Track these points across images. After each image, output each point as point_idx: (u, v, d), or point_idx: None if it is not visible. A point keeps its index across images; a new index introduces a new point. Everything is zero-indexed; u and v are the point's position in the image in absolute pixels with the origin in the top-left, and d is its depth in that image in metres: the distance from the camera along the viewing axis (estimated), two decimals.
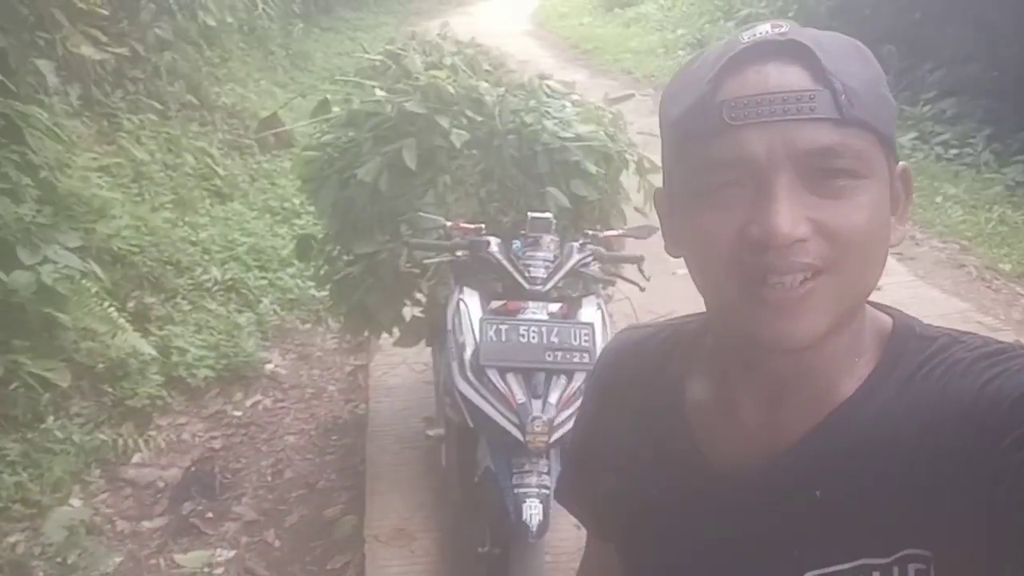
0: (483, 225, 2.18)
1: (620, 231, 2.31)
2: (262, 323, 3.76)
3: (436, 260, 2.18)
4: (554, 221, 2.14)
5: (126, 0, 4.30)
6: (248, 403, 3.33)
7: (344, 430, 3.18)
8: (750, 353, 0.66)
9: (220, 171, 5.10)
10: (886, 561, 0.62)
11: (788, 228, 0.58)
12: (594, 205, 2.64)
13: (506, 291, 2.11)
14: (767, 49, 0.61)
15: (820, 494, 0.64)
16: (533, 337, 1.98)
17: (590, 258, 2.17)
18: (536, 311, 2.05)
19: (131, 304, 3.52)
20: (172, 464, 2.96)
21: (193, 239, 4.17)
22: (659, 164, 2.21)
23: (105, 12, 3.30)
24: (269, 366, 3.54)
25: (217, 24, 5.88)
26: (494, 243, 2.14)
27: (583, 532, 2.60)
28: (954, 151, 5.50)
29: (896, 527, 0.61)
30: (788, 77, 0.60)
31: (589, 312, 2.11)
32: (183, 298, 3.74)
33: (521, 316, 2.04)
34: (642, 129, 2.95)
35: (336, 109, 2.70)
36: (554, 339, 1.98)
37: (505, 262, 2.10)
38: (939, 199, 5.02)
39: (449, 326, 2.09)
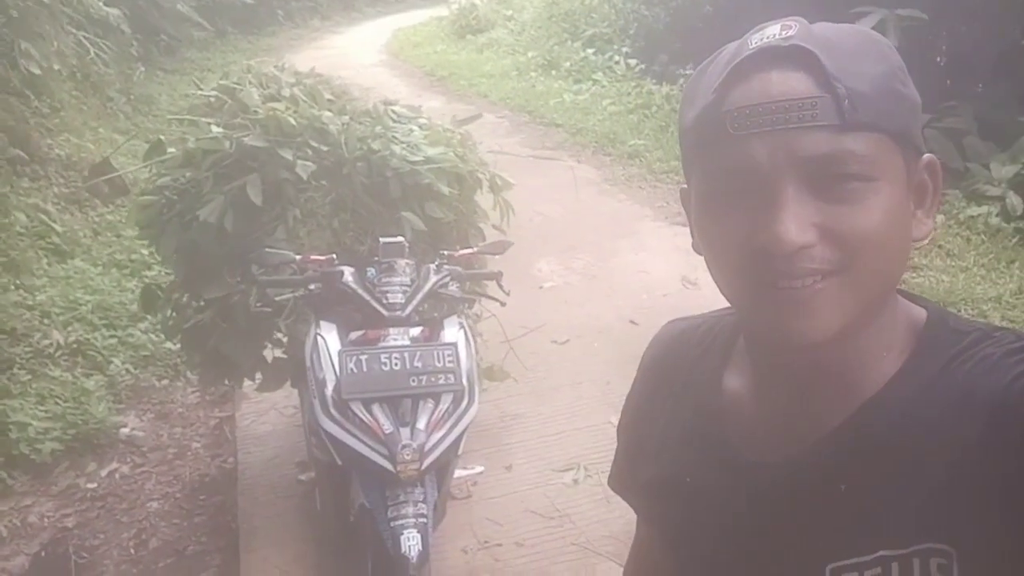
0: (334, 256, 2.11)
1: (474, 249, 2.30)
2: (114, 385, 3.50)
3: (287, 296, 2.09)
4: (406, 245, 2.11)
5: None
6: (103, 473, 3.07)
7: (213, 487, 2.98)
8: (771, 350, 0.68)
9: (57, 227, 4.74)
10: (903, 553, 0.61)
11: (792, 236, 0.58)
12: (451, 226, 2.63)
13: (365, 320, 2.05)
14: (772, 55, 0.61)
15: (845, 487, 0.64)
16: (395, 364, 1.93)
17: (447, 278, 2.14)
18: (397, 337, 2.01)
19: None
20: (17, 552, 2.68)
21: (29, 303, 3.84)
22: (511, 181, 2.22)
23: None
24: (125, 430, 3.28)
25: (44, 72, 5.48)
26: (348, 272, 2.08)
27: (470, 556, 2.55)
28: None
29: (916, 521, 0.61)
30: (791, 84, 0.60)
31: (451, 332, 2.08)
32: (21, 367, 3.43)
33: (382, 344, 1.99)
34: (493, 148, 2.98)
35: (172, 150, 2.56)
36: (417, 363, 1.94)
37: (360, 291, 2.04)
38: None
39: (308, 363, 2.01)
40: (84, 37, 6.38)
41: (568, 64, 9.26)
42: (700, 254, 0.69)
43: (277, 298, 2.08)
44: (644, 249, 4.69)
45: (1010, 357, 0.61)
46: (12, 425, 3.05)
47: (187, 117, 2.61)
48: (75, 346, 3.66)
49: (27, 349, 3.52)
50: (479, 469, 2.72)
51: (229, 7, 13.30)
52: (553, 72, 9.25)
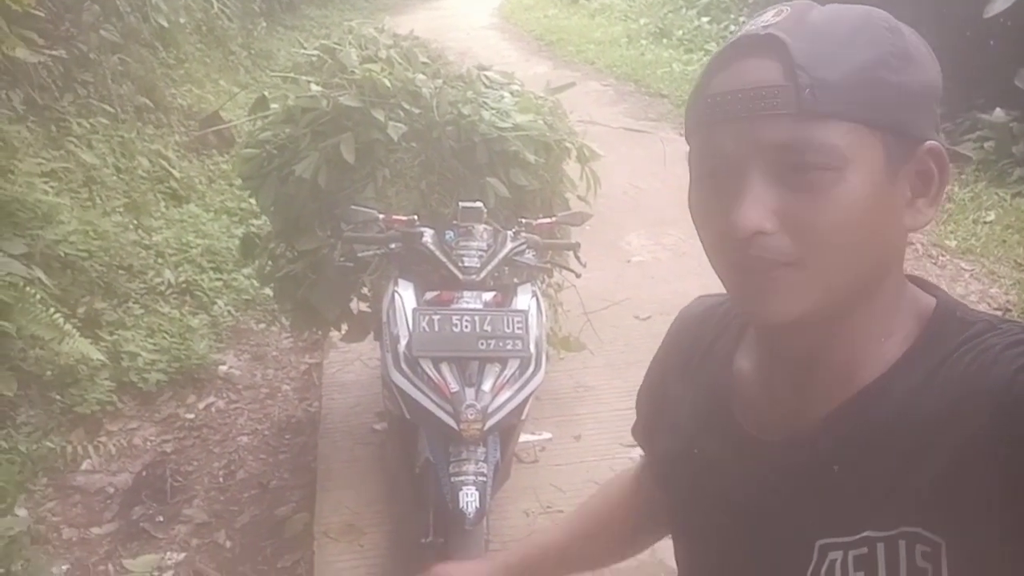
0: (416, 217, 2.18)
1: (553, 218, 2.31)
2: (216, 325, 3.74)
3: (370, 254, 2.17)
4: (485, 210, 2.14)
5: (68, 2, 4.23)
6: (201, 405, 3.30)
7: (298, 428, 3.16)
8: (763, 329, 0.72)
9: (176, 173, 5.04)
10: (887, 535, 0.62)
11: (746, 222, 0.60)
12: (535, 194, 2.65)
13: (441, 281, 2.11)
14: (749, 43, 0.63)
15: (838, 469, 0.66)
16: (466, 326, 1.98)
17: (524, 246, 2.17)
18: (470, 300, 2.06)
19: (81, 310, 3.48)
20: (122, 469, 2.93)
21: (146, 242, 4.13)
22: (599, 153, 2.22)
23: (40, 13, 3.24)
24: (223, 368, 3.51)
25: (171, 25, 5.81)
26: (427, 234, 2.14)
27: (531, 519, 2.61)
28: None
29: (906, 506, 0.62)
30: (760, 73, 0.61)
31: (523, 300, 2.11)
32: (135, 302, 3.70)
33: (455, 306, 2.04)
34: (585, 118, 2.96)
35: (275, 106, 2.68)
36: (487, 327, 1.98)
37: (438, 252, 2.10)
38: None
39: (385, 318, 2.09)
40: None
41: (681, 32, 9.00)
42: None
43: (360, 254, 2.17)
44: None
45: (1013, 348, 0.60)
46: (124, 354, 3.32)
47: (289, 75, 2.72)
48: (184, 286, 3.92)
49: (141, 285, 3.80)
50: (547, 436, 2.77)
51: None
52: (664, 40, 9.03)
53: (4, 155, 3.42)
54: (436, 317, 1.98)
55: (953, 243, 4.36)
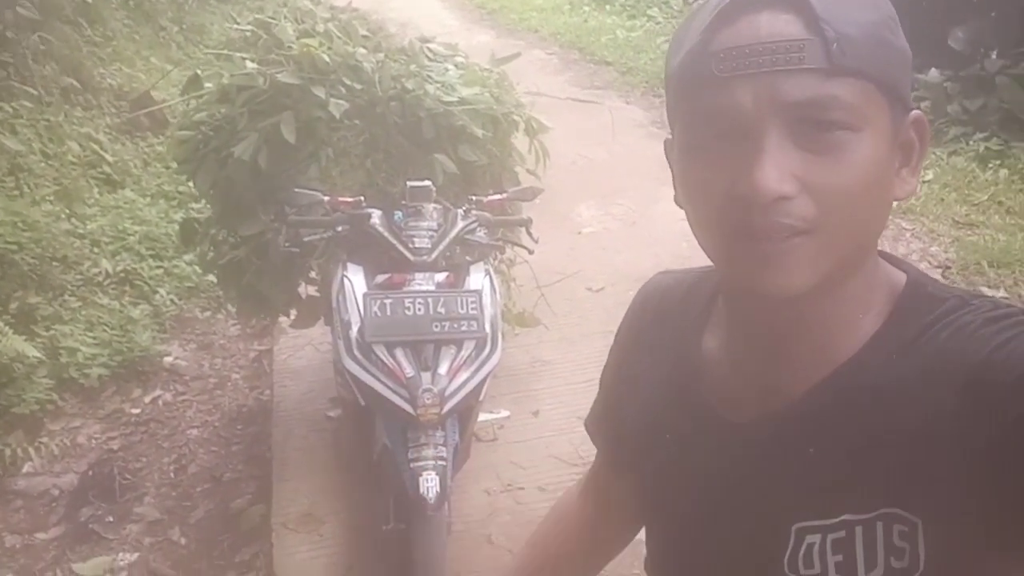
0: (362, 198, 2.11)
1: (504, 194, 2.26)
2: (159, 314, 3.61)
3: (316, 238, 2.10)
4: (434, 189, 2.09)
5: None
6: (147, 399, 3.19)
7: (250, 418, 3.08)
8: (747, 304, 0.68)
9: (109, 157, 4.83)
10: (866, 517, 0.61)
11: (771, 184, 0.57)
12: (484, 169, 2.60)
13: (391, 264, 2.05)
14: None
15: (814, 450, 0.64)
16: (419, 309, 1.93)
17: (475, 224, 2.13)
18: (422, 282, 2.01)
19: (13, 305, 3.32)
20: (67, 470, 2.82)
21: (80, 231, 3.95)
22: (547, 125, 2.17)
23: None
24: (168, 359, 3.40)
25: (94, 1, 5.52)
26: (376, 215, 2.08)
27: (492, 498, 2.59)
28: None
29: (880, 486, 0.61)
30: (779, 26, 0.58)
31: (476, 279, 2.07)
32: (71, 295, 3.55)
33: (407, 288, 1.99)
34: (532, 89, 2.91)
35: (209, 85, 2.56)
36: (440, 309, 1.94)
37: (387, 234, 2.04)
38: None
39: (335, 304, 2.03)
40: None
41: None
42: (681, 207, 0.67)
43: (306, 239, 2.09)
44: None
45: (988, 326, 0.60)
46: (63, 350, 3.18)
47: (223, 52, 2.60)
48: (123, 275, 3.76)
49: (77, 277, 3.64)
50: (505, 414, 2.75)
51: None
52: (607, 7, 8.96)
53: None
54: (388, 301, 1.93)
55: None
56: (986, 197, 4.27)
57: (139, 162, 5.05)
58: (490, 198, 2.21)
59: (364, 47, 2.52)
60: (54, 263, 3.64)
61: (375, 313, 1.91)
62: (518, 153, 2.77)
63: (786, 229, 0.58)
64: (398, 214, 2.08)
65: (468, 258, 2.14)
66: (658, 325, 0.80)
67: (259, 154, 2.38)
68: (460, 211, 2.13)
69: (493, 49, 3.02)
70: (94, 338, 3.32)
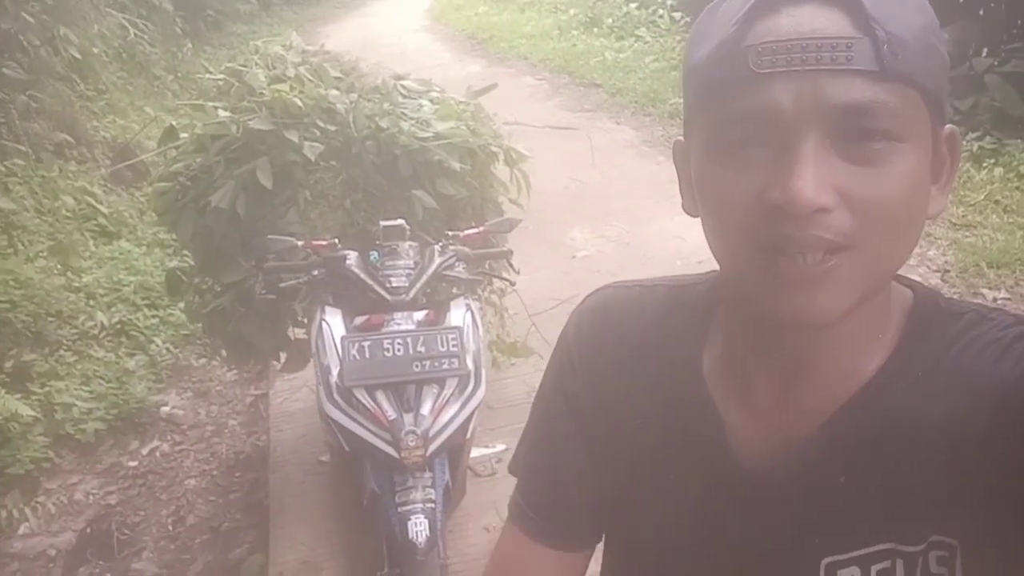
0: (336, 240, 2.10)
1: (480, 228, 2.24)
2: (155, 364, 3.60)
3: (293, 283, 2.08)
4: (407, 227, 2.07)
5: None
6: (144, 451, 3.17)
7: (247, 465, 3.06)
8: (765, 328, 0.61)
9: (104, 209, 4.87)
10: (906, 547, 0.59)
11: (811, 193, 0.51)
12: (464, 202, 2.58)
13: (369, 305, 2.03)
14: None
15: (844, 480, 0.60)
16: (398, 349, 1.91)
17: (453, 259, 2.10)
18: (401, 321, 1.99)
19: (8, 364, 3.32)
20: (64, 529, 2.80)
21: (76, 284, 3.97)
22: (526, 154, 2.15)
23: None
24: (165, 408, 3.38)
25: (85, 56, 5.59)
26: (351, 257, 2.06)
27: (492, 535, 2.53)
28: None
29: (922, 514, 0.58)
30: (825, 22, 0.53)
31: (457, 315, 2.04)
32: (67, 349, 3.55)
33: (385, 329, 1.97)
34: (530, 113, 2.90)
35: (184, 135, 2.57)
36: (420, 348, 1.91)
37: (363, 275, 2.02)
38: None
39: (313, 349, 2.01)
40: (125, 19, 6.45)
41: (611, 20, 9.00)
42: (692, 215, 0.62)
43: (282, 285, 2.08)
44: (680, 213, 4.52)
45: (1018, 344, 0.57)
46: (58, 406, 3.17)
47: (195, 102, 2.61)
48: (118, 326, 3.77)
49: (73, 331, 3.65)
50: (502, 447, 2.71)
51: None
52: (595, 30, 9.01)
53: None
54: (366, 343, 1.90)
55: None
56: (982, 197, 4.22)
57: (134, 212, 5.08)
58: (467, 232, 2.19)
59: (337, 88, 2.52)
60: (49, 319, 3.64)
61: (353, 356, 1.88)
62: (500, 183, 2.76)
63: (824, 244, 0.53)
64: (374, 254, 2.07)
65: (450, 294, 2.11)
66: (634, 348, 0.70)
67: (237, 201, 2.38)
68: (437, 247, 2.11)
69: (483, 78, 3.02)
70: (90, 392, 3.32)
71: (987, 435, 0.55)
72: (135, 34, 6.56)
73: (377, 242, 2.07)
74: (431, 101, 2.66)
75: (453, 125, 2.53)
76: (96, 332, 3.69)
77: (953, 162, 0.60)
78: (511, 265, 2.26)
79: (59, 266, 3.98)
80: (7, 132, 4.66)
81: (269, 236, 2.10)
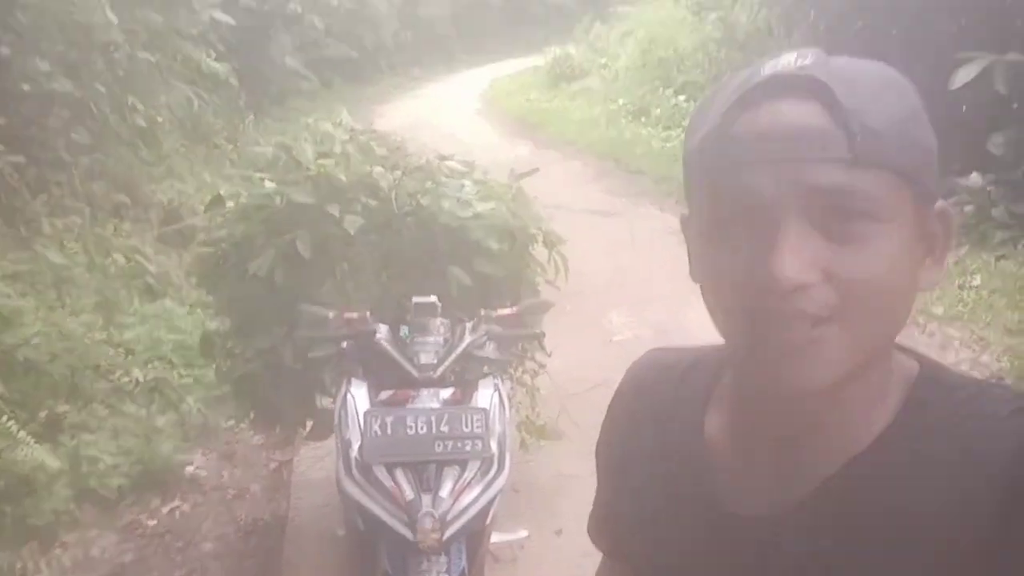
0: (368, 313, 2.11)
1: (512, 309, 2.24)
2: (184, 423, 3.62)
3: (322, 354, 2.09)
4: (439, 305, 2.07)
5: (34, 107, 4.26)
6: (165, 510, 3.15)
7: (265, 532, 3.01)
8: (761, 395, 0.64)
9: (152, 268, 5.00)
10: None
11: (790, 273, 0.55)
12: (500, 281, 2.59)
13: (396, 380, 2.02)
14: (784, 84, 0.58)
15: (831, 544, 0.61)
16: (421, 428, 1.89)
17: (484, 338, 2.09)
18: (426, 399, 1.97)
19: (43, 413, 3.37)
20: None
21: (117, 340, 4.04)
22: (563, 237, 2.17)
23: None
24: (190, 468, 3.38)
25: (150, 124, 5.87)
26: (382, 330, 2.06)
27: None
28: None
29: None
30: (802, 115, 0.57)
31: (484, 396, 2.02)
32: (101, 403, 3.59)
33: (410, 405, 1.95)
34: (575, 196, 2.94)
35: (231, 203, 2.65)
36: (444, 428, 1.89)
37: (392, 350, 2.02)
38: None
39: (336, 421, 1.99)
40: (192, 91, 6.78)
41: (658, 111, 9.19)
42: (697, 283, 0.65)
43: (311, 355, 2.09)
44: None
45: (1015, 419, 0.58)
46: (85, 459, 3.18)
47: (244, 172, 2.70)
48: (153, 383, 3.81)
49: (108, 385, 3.69)
50: (523, 534, 2.63)
51: (336, 60, 13.97)
52: (643, 119, 9.20)
53: None
54: (389, 419, 1.89)
55: (940, 310, 4.30)
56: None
57: (181, 273, 5.21)
58: (500, 312, 2.18)
59: (381, 166, 2.59)
60: (87, 372, 3.70)
61: (375, 432, 1.87)
62: (538, 264, 2.78)
63: (808, 317, 0.56)
64: (404, 329, 2.07)
65: (477, 373, 2.09)
66: (656, 406, 0.76)
67: (275, 270, 2.42)
68: (469, 325, 2.10)
69: (530, 160, 3.08)
70: (118, 447, 3.33)
71: (979, 510, 0.56)
72: (199, 105, 6.86)
73: (408, 317, 2.08)
74: (473, 182, 2.71)
75: (493, 206, 2.57)
76: (131, 388, 3.73)
77: (946, 237, 0.63)
78: (543, 347, 2.24)
79: (102, 321, 4.07)
80: (68, 192, 4.86)
81: (301, 305, 2.13)
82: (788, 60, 0.59)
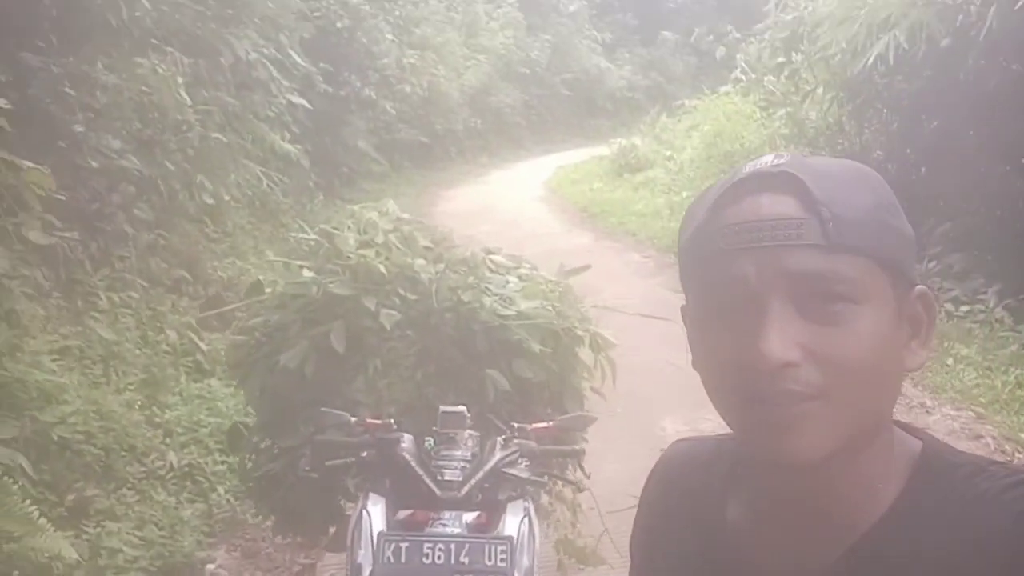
0: (392, 421, 1.94)
1: (550, 423, 2.03)
2: (211, 516, 3.46)
3: (339, 463, 1.91)
4: (468, 415, 1.89)
5: (102, 183, 4.36)
6: None
7: None
8: (764, 473, 0.68)
9: (203, 346, 4.98)
10: None
11: (775, 353, 0.59)
12: (542, 386, 2.40)
13: (418, 497, 1.83)
14: (763, 179, 0.64)
15: None
16: (439, 557, 1.68)
17: (516, 455, 1.89)
18: (448, 522, 1.76)
19: (71, 497, 3.27)
20: None
21: (157, 420, 3.97)
22: (612, 341, 1.96)
23: (62, 197, 3.30)
24: (211, 567, 3.20)
25: (218, 201, 5.98)
26: (406, 440, 1.88)
27: None
28: (964, 308, 5.18)
29: None
30: (779, 206, 0.62)
31: (512, 522, 1.80)
32: (130, 487, 3.48)
33: (429, 529, 1.75)
34: (632, 290, 2.76)
35: (269, 291, 2.56)
36: (464, 559, 1.67)
37: (414, 463, 1.83)
38: (950, 361, 4.66)
39: (349, 541, 1.80)
40: (262, 171, 6.95)
41: None
42: (696, 371, 0.68)
43: (328, 463, 1.92)
44: None
45: (1008, 492, 0.61)
46: (104, 550, 3.05)
47: (283, 260, 2.62)
48: (186, 469, 3.69)
49: (141, 469, 3.60)
50: None
51: (407, 144, 14.37)
52: None
53: (15, 334, 3.37)
54: (404, 545, 1.68)
55: None
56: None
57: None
58: (535, 426, 1.98)
59: (424, 258, 2.47)
60: (122, 453, 3.62)
61: (388, 559, 1.66)
62: (585, 368, 2.58)
63: (794, 396, 0.59)
64: (430, 440, 1.89)
65: (508, 494, 1.88)
66: (682, 494, 0.79)
67: (307, 362, 2.30)
68: (500, 439, 1.91)
69: (591, 250, 2.92)
70: (141, 538, 3.19)
71: None
72: (268, 185, 7.01)
73: (434, 428, 1.89)
74: (519, 278, 2.56)
75: (538, 305, 2.41)
76: (163, 472, 3.62)
77: (929, 319, 0.67)
78: (582, 467, 2.02)
79: (145, 400, 4.01)
80: (130, 267, 4.93)
81: (322, 409, 1.97)
82: (767, 160, 0.65)
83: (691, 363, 0.69)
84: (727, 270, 0.62)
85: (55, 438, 3.26)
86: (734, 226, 0.63)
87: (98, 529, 3.14)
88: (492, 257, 2.59)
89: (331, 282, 2.32)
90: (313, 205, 10.07)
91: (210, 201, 5.56)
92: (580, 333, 2.48)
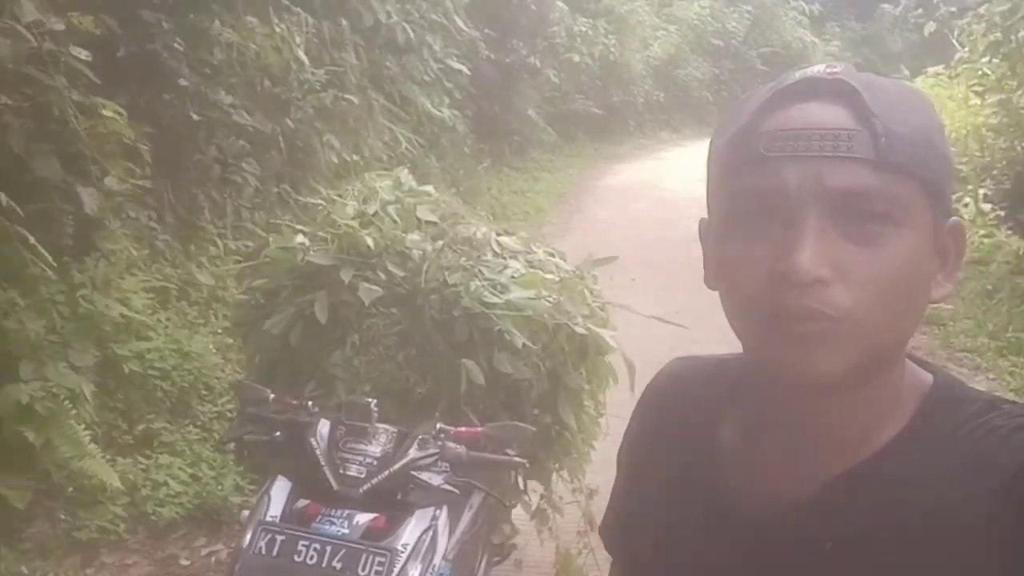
0: (310, 402, 1.82)
1: (479, 428, 1.82)
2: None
3: (254, 439, 1.83)
4: (375, 410, 1.72)
5: (221, 136, 4.58)
6: (204, 552, 3.09)
7: None
8: (774, 392, 0.67)
9: None
10: None
11: (809, 265, 0.57)
12: (528, 385, 2.18)
13: (318, 488, 1.71)
14: (813, 86, 0.61)
15: (831, 546, 0.63)
16: (311, 557, 1.56)
17: (431, 459, 1.71)
18: (337, 521, 1.63)
19: (140, 427, 3.51)
20: None
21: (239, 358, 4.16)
22: (612, 345, 1.73)
23: (145, 146, 3.49)
24: (245, 513, 3.29)
25: (340, 163, 6.08)
26: (321, 425, 1.76)
27: None
28: None
29: None
30: (829, 115, 0.60)
31: (412, 532, 1.64)
32: (198, 425, 3.68)
33: (316, 525, 1.63)
34: (613, 300, 2.48)
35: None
36: (336, 564, 1.54)
37: (319, 453, 1.71)
38: None
39: (243, 521, 1.72)
40: (402, 134, 7.06)
41: None
42: (713, 289, 0.67)
43: (246, 437, 1.84)
44: None
45: (1017, 433, 0.60)
46: (151, 482, 3.24)
47: (286, 223, 2.57)
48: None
49: (213, 409, 3.79)
50: None
51: (580, 115, 14.12)
52: None
53: (112, 271, 3.63)
54: (280, 538, 1.58)
55: None
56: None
57: None
58: (461, 429, 1.78)
59: (422, 233, 2.31)
60: (201, 391, 3.83)
61: (259, 549, 1.57)
62: (598, 372, 2.33)
63: (817, 315, 0.58)
64: (342, 430, 1.75)
65: (411, 499, 1.70)
66: (676, 412, 0.78)
67: (291, 330, 2.24)
68: (419, 439, 1.73)
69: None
70: (191, 475, 3.36)
71: (983, 522, 0.58)
72: (406, 148, 7.11)
73: (343, 418, 1.75)
74: (529, 263, 2.34)
75: (532, 294, 2.18)
76: (232, 416, 3.79)
77: (958, 253, 0.65)
78: (524, 482, 1.80)
79: (232, 342, 4.21)
80: (252, 218, 5.17)
81: (243, 381, 1.90)
82: (819, 68, 0.62)
83: (704, 281, 0.67)
84: (766, 177, 0.60)
85: (126, 371, 3.50)
86: (779, 132, 0.60)
87: (152, 459, 3.34)
88: (500, 239, 2.38)
89: (315, 250, 2.24)
90: (469, 171, 10.15)
91: (335, 160, 5.71)
92: (580, 331, 2.22)
